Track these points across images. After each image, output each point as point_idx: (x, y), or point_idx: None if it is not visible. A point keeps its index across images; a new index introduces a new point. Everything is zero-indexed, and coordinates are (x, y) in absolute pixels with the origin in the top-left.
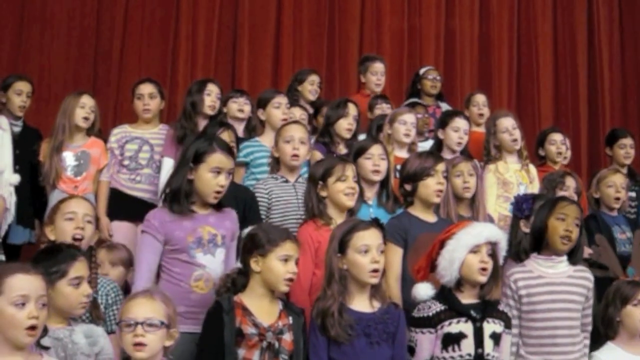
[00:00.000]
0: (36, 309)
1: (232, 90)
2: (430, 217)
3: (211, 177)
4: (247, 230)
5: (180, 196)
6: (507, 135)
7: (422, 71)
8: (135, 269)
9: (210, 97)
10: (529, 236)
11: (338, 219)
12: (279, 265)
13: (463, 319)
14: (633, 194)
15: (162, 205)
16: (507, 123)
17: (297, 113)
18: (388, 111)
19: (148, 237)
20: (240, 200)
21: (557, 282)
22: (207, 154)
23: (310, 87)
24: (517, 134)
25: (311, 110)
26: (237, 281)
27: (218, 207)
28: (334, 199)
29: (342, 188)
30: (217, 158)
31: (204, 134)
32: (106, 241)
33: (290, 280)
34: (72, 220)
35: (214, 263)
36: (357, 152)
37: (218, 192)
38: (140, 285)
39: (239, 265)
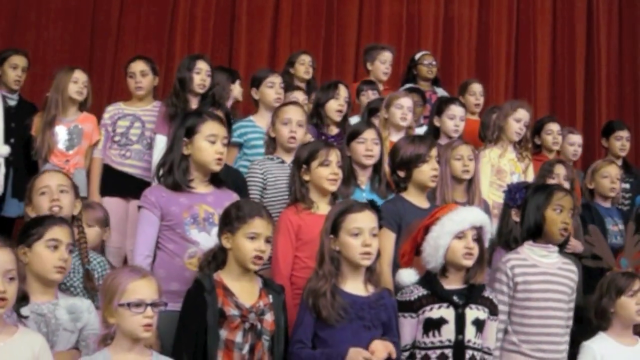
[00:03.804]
0: (2, 283)
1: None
2: (423, 203)
3: (208, 145)
4: None
5: (174, 169)
6: (517, 124)
7: (417, 56)
8: (134, 243)
9: (200, 75)
10: (523, 225)
11: (320, 203)
12: (246, 243)
13: (444, 305)
14: (627, 186)
15: (159, 183)
16: (524, 116)
17: (301, 97)
18: (373, 97)
19: (145, 212)
20: (231, 182)
21: (550, 272)
22: (200, 124)
23: (302, 67)
24: (524, 130)
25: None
26: (217, 256)
27: (219, 185)
28: (316, 183)
29: (326, 174)
30: (210, 126)
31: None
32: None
33: (259, 258)
34: (46, 194)
35: (209, 241)
36: (350, 136)
37: (219, 159)
38: (138, 259)
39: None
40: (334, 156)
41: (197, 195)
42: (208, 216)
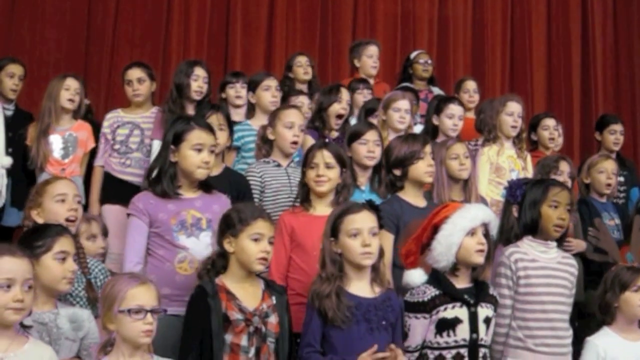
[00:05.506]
0: (21, 292)
1: (229, 74)
2: (420, 202)
3: (194, 154)
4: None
5: (162, 177)
6: (510, 118)
7: (413, 55)
8: (124, 251)
9: (197, 82)
10: (520, 221)
11: (317, 204)
12: (251, 244)
13: (458, 304)
14: (621, 179)
15: (148, 189)
16: (516, 108)
17: (306, 102)
18: (369, 96)
19: (134, 219)
20: (234, 185)
21: (550, 267)
22: (186, 132)
23: (300, 69)
24: (520, 122)
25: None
26: (216, 263)
27: (207, 189)
28: (308, 184)
29: (312, 175)
30: (197, 135)
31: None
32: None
33: (264, 259)
34: (64, 202)
35: (198, 245)
36: (351, 137)
37: (204, 168)
38: (129, 267)
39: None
40: (320, 158)
41: (185, 201)
42: (196, 221)
